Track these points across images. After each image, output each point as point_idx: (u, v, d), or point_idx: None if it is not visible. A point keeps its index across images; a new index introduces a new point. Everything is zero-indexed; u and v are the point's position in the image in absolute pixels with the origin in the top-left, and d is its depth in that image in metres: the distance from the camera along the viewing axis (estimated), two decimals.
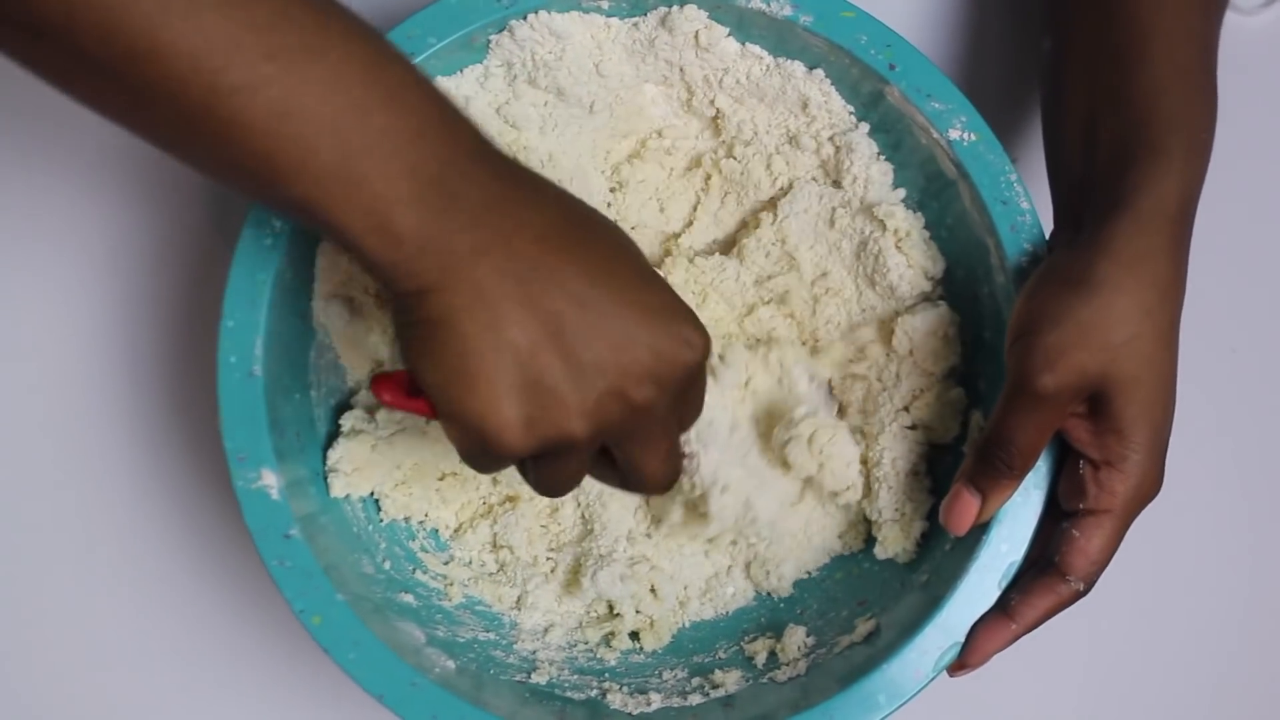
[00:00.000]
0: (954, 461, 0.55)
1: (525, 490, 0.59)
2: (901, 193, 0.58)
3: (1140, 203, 0.48)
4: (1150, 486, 0.49)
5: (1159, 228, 0.48)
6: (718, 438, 0.54)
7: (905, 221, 0.57)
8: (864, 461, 0.57)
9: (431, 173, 0.40)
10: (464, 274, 0.40)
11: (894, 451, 0.56)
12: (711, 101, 0.59)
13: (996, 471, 0.49)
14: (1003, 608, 0.50)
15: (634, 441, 0.45)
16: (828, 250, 0.59)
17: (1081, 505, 0.49)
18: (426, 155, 0.40)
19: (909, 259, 0.57)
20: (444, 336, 0.41)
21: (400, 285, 0.41)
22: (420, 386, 0.42)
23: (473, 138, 0.42)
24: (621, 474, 0.46)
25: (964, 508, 0.50)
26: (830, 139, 0.58)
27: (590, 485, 0.59)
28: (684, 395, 0.45)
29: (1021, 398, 0.48)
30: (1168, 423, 0.49)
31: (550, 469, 0.44)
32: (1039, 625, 0.50)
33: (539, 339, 0.41)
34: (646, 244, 0.62)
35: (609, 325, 0.42)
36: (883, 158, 0.58)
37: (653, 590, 0.58)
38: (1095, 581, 0.49)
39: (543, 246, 0.41)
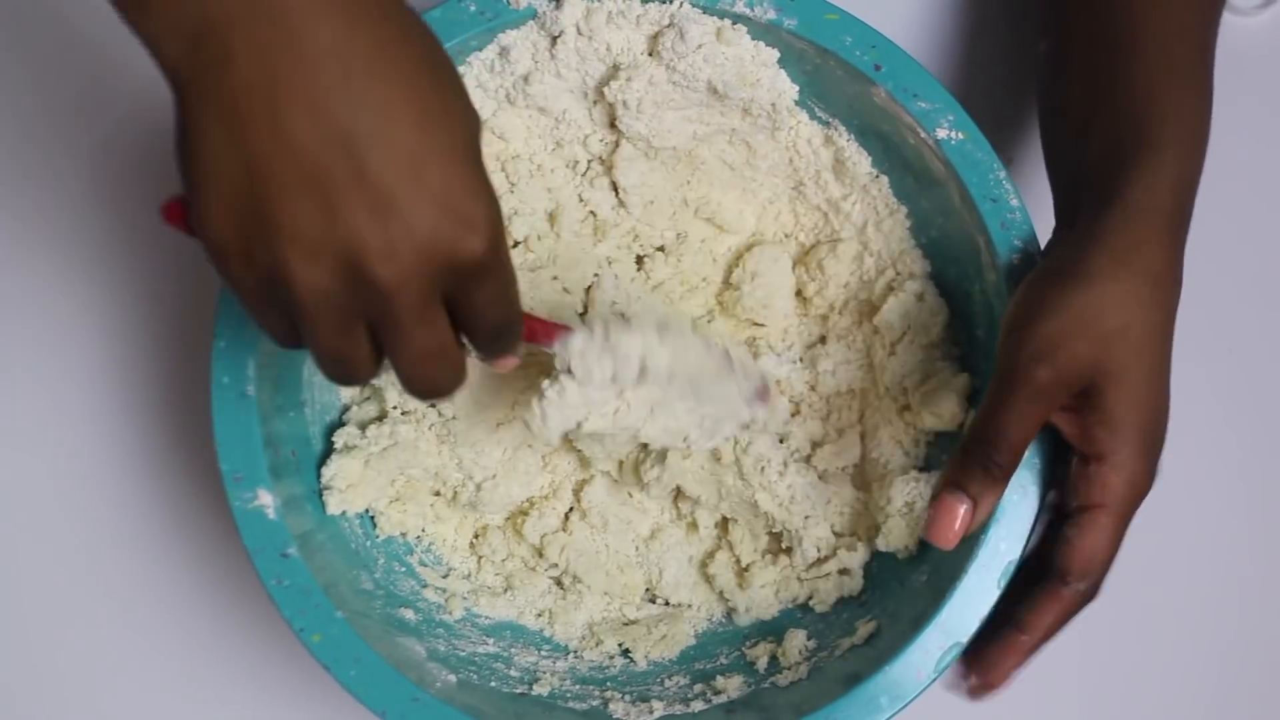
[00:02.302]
0: None
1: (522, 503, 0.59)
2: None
3: (1132, 195, 0.48)
4: (1142, 481, 0.47)
5: (1150, 219, 0.48)
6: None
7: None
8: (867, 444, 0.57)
9: None
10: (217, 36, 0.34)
11: (897, 436, 0.56)
12: None
13: (985, 470, 0.47)
14: (1013, 622, 0.49)
15: (385, 327, 0.38)
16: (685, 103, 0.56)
17: (1074, 503, 0.48)
18: None
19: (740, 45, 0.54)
20: (184, 119, 0.35)
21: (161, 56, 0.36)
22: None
23: None
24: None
25: (950, 516, 0.47)
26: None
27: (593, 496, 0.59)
28: (464, 287, 0.39)
29: (1016, 388, 0.46)
30: (1159, 417, 0.48)
31: (314, 329, 0.38)
32: (1053, 634, 0.48)
33: (306, 150, 0.35)
34: None
35: (384, 165, 0.35)
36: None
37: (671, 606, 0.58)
38: (1099, 582, 0.48)
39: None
